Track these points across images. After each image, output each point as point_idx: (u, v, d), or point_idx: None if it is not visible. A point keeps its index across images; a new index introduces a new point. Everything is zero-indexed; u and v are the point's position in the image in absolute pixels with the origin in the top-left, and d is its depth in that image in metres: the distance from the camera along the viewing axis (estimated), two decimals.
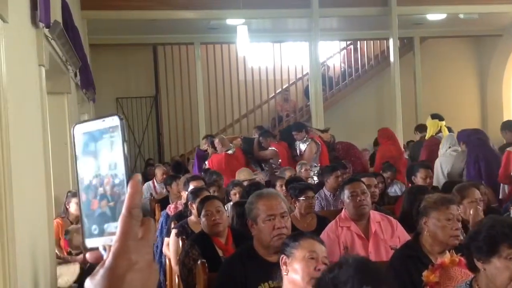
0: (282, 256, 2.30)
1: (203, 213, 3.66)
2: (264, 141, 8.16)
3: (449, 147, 6.57)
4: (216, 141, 8.18)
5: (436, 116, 7.53)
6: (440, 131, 7.31)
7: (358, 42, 12.48)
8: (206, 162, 8.22)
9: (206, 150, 8.66)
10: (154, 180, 8.38)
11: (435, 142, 7.13)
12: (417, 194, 4.13)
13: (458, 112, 12.25)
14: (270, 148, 8.08)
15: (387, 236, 3.64)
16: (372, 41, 12.47)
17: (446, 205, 2.90)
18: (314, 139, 7.92)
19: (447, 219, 2.88)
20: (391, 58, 10.34)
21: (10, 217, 2.46)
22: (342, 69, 12.65)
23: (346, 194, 3.73)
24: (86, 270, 5.09)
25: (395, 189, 6.55)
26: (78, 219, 5.22)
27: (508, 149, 5.75)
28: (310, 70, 10.79)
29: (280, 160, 7.86)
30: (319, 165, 7.61)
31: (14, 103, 2.78)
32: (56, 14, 4.65)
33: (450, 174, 6.37)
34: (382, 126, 9.02)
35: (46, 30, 3.88)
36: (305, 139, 7.91)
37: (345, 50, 12.72)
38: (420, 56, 11.98)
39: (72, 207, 5.32)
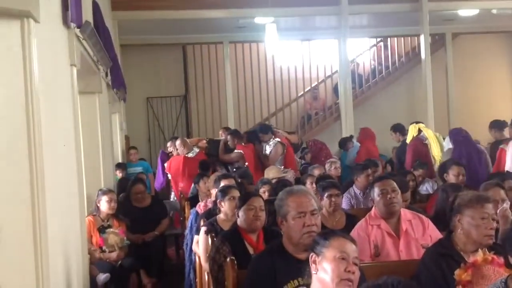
0: (312, 254, 2.28)
1: (245, 207, 3.65)
2: (231, 142, 7.96)
3: None
4: (178, 142, 7.84)
5: (414, 122, 7.85)
6: (420, 131, 7.53)
7: (388, 39, 12.35)
8: (165, 165, 7.91)
9: (171, 152, 8.27)
10: None
11: (420, 141, 7.39)
12: (450, 192, 4.06)
13: (490, 108, 12.00)
14: (235, 151, 7.88)
15: (418, 234, 3.58)
16: (402, 38, 12.32)
17: (481, 203, 2.84)
18: (280, 141, 7.80)
19: (481, 217, 2.82)
20: (422, 55, 10.19)
21: (43, 215, 2.50)
22: (372, 66, 12.53)
23: (376, 192, 3.69)
24: (118, 267, 5.18)
25: (427, 187, 6.47)
26: (109, 217, 5.34)
27: (500, 146, 6.04)
28: (340, 68, 10.71)
29: (246, 163, 7.65)
30: (282, 167, 7.46)
31: (47, 102, 2.82)
32: (87, 15, 4.71)
33: None
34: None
35: (77, 30, 3.94)
36: (271, 140, 7.79)
37: (375, 47, 12.60)
38: (452, 53, 11.79)
39: (103, 205, 5.40)
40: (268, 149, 7.79)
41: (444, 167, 5.79)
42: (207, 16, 9.82)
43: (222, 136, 8.59)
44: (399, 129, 8.33)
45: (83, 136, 4.39)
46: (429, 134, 7.48)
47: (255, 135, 8.06)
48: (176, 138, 8.33)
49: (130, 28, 10.00)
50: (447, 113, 11.68)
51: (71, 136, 3.75)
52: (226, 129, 9.14)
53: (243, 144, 7.96)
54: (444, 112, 11.50)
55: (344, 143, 9.29)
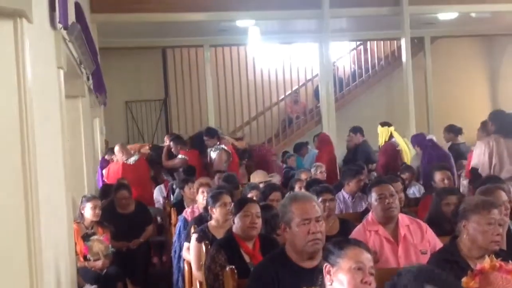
0: (325, 264, 2.19)
1: (241, 213, 3.54)
2: (175, 148, 7.76)
3: None
4: (117, 149, 7.46)
5: (385, 124, 8.06)
6: (392, 136, 7.83)
7: (368, 42, 12.38)
8: (103, 172, 7.55)
9: (111, 160, 7.78)
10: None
11: (392, 146, 7.73)
12: (443, 196, 4.03)
13: (469, 111, 12.11)
14: (179, 156, 7.67)
15: (417, 240, 3.53)
16: (382, 42, 12.37)
17: (487, 209, 2.79)
18: (225, 148, 7.63)
19: (488, 223, 2.78)
20: (403, 58, 10.22)
21: (37, 224, 2.38)
22: (352, 70, 12.56)
23: (373, 196, 3.62)
24: (103, 276, 5.03)
25: (413, 191, 6.45)
26: (93, 224, 5.18)
27: (471, 149, 6.36)
28: (321, 71, 10.69)
29: None
30: None
31: (38, 106, 2.69)
32: (71, 16, 4.57)
33: None
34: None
35: (64, 32, 3.81)
36: (216, 146, 7.61)
37: (354, 51, 12.63)
38: (430, 56, 11.87)
39: (87, 212, 5.26)
40: (213, 155, 7.60)
41: (430, 174, 5.79)
42: (188, 19, 9.69)
43: (166, 142, 8.28)
44: (359, 130, 8.39)
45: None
46: (400, 140, 7.81)
47: (200, 140, 7.86)
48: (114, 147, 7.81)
49: (109, 31, 9.82)
50: (427, 116, 11.75)
51: (59, 141, 3.61)
52: (170, 135, 8.87)
53: (187, 150, 7.80)
54: (423, 115, 11.57)
55: (299, 148, 9.60)
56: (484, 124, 6.55)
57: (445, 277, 1.46)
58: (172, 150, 7.82)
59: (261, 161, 8.17)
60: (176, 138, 8.04)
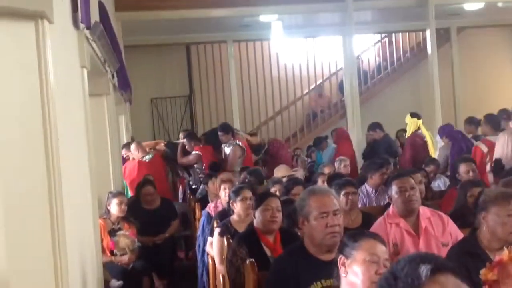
0: (340, 256, 2.21)
1: (261, 207, 3.59)
2: (188, 145, 7.80)
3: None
4: (133, 147, 7.59)
5: (415, 115, 8.05)
6: (419, 128, 7.86)
7: (393, 34, 12.27)
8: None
9: (128, 156, 7.79)
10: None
11: (419, 138, 7.75)
12: (469, 188, 4.01)
13: (496, 104, 11.90)
14: (193, 153, 7.71)
15: (438, 232, 3.52)
16: (407, 33, 12.25)
17: (507, 200, 2.78)
18: (239, 143, 7.62)
19: (507, 215, 2.76)
20: (429, 50, 10.09)
21: (61, 220, 2.44)
22: (377, 62, 12.47)
23: (394, 189, 3.62)
24: (130, 271, 5.13)
25: (438, 184, 6.41)
26: (119, 220, 5.27)
27: (475, 144, 6.37)
28: (345, 65, 10.65)
29: (204, 165, 7.54)
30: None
31: (60, 105, 2.76)
32: (94, 16, 4.66)
33: None
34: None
35: (86, 32, 3.88)
36: (230, 142, 7.59)
37: (379, 43, 12.53)
38: (457, 47, 11.70)
39: (113, 208, 5.35)
40: (227, 151, 7.62)
41: (455, 167, 5.76)
42: (211, 15, 9.75)
43: (181, 139, 8.33)
44: (377, 126, 8.36)
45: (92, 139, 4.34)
46: (426, 133, 7.69)
47: (214, 136, 7.89)
48: (131, 142, 7.95)
49: (134, 29, 9.94)
50: (454, 108, 11.59)
51: (83, 139, 3.69)
52: (185, 131, 8.93)
53: (201, 145, 7.84)
54: (450, 107, 11.42)
55: (318, 142, 9.60)
56: (487, 118, 6.46)
57: (440, 258, 1.49)
58: (186, 147, 7.89)
59: (275, 155, 8.20)
60: (190, 135, 8.11)
